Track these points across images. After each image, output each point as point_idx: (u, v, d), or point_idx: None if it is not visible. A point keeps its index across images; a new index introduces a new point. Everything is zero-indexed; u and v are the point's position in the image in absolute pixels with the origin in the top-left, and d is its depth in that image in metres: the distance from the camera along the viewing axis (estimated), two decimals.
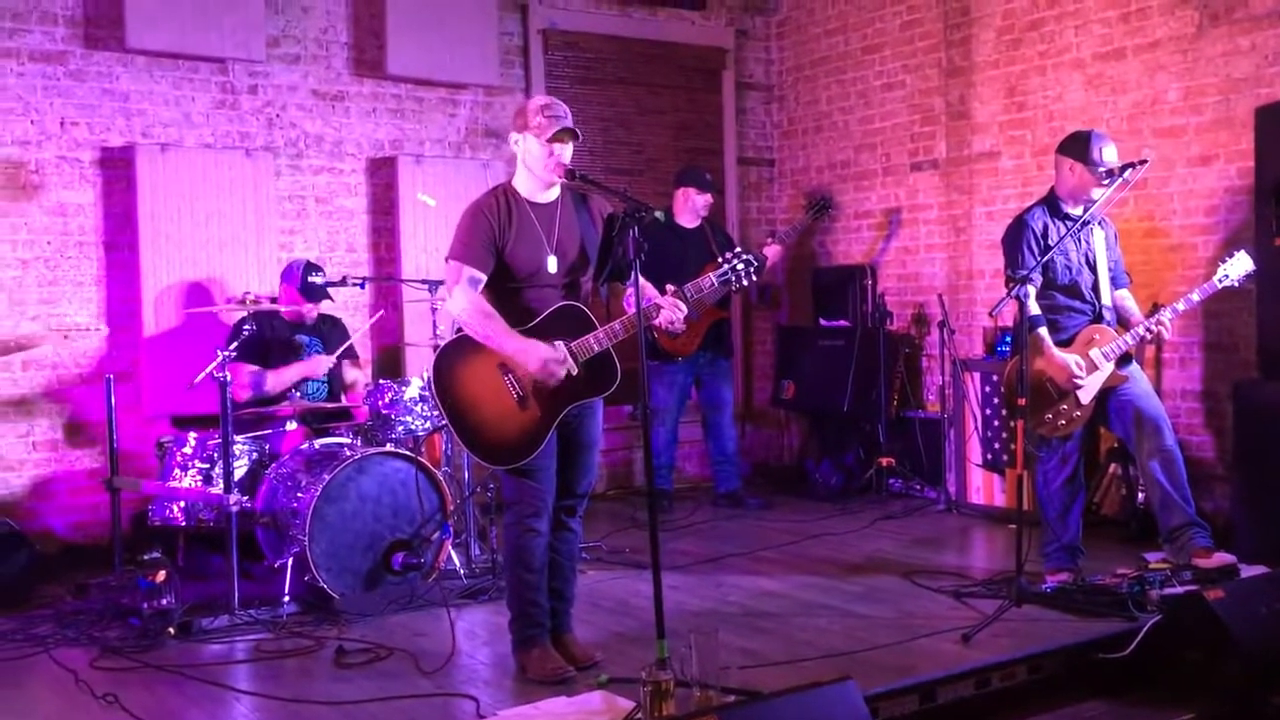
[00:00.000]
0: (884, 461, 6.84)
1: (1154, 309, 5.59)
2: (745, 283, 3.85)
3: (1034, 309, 4.54)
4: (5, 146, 5.60)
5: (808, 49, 7.78)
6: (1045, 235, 4.64)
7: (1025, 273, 4.49)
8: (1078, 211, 4.66)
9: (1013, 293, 4.40)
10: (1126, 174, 4.54)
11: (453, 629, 4.11)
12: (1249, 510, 4.98)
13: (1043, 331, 4.57)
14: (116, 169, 5.85)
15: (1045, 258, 4.57)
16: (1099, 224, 4.75)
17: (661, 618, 3.31)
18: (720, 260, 3.88)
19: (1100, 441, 5.85)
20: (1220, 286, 4.65)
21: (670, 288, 3.73)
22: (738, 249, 3.93)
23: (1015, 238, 4.70)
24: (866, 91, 7.38)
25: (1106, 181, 4.58)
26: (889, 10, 7.19)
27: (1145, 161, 4.65)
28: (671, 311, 3.69)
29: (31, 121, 5.66)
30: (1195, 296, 4.65)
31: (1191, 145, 5.65)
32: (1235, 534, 5.03)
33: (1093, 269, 4.70)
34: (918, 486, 6.78)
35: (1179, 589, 4.23)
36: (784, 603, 4.63)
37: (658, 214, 3.56)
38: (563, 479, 3.81)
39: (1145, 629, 3.95)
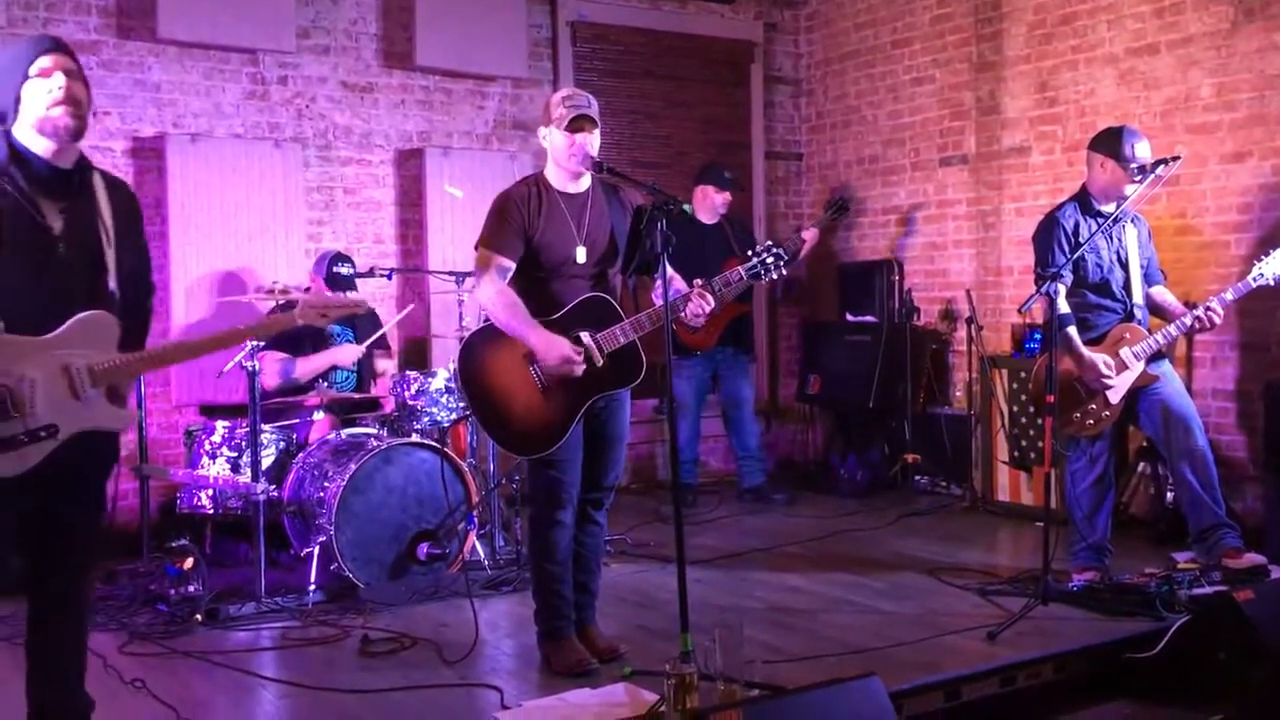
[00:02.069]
0: (909, 458, 6.81)
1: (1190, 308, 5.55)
2: (775, 276, 3.84)
3: (1063, 307, 4.48)
4: None
5: (836, 43, 7.75)
6: (1076, 233, 4.59)
7: (1055, 269, 4.46)
8: (1110, 208, 4.61)
9: (1043, 289, 4.38)
10: (1159, 170, 4.48)
11: (475, 620, 4.12)
12: None
13: (1071, 331, 4.51)
14: (147, 159, 5.89)
15: (1076, 255, 4.53)
16: (1131, 221, 4.69)
17: (686, 611, 3.31)
18: (749, 254, 3.86)
19: (1129, 441, 5.80)
20: (1255, 285, 4.58)
21: (699, 282, 3.72)
22: (768, 243, 3.91)
23: (1046, 235, 4.64)
24: (895, 86, 7.34)
25: (1139, 178, 4.52)
26: (919, 4, 7.14)
27: (1178, 158, 4.59)
28: (698, 304, 3.68)
29: None
30: (1229, 295, 4.58)
31: (1225, 142, 5.59)
32: (1266, 535, 4.99)
33: (1124, 267, 4.64)
34: (943, 484, 6.74)
35: (1208, 589, 4.20)
36: (808, 598, 4.63)
37: (685, 207, 3.55)
38: (589, 472, 3.81)
39: (1173, 629, 3.92)
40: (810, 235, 6.79)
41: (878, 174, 7.48)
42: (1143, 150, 4.54)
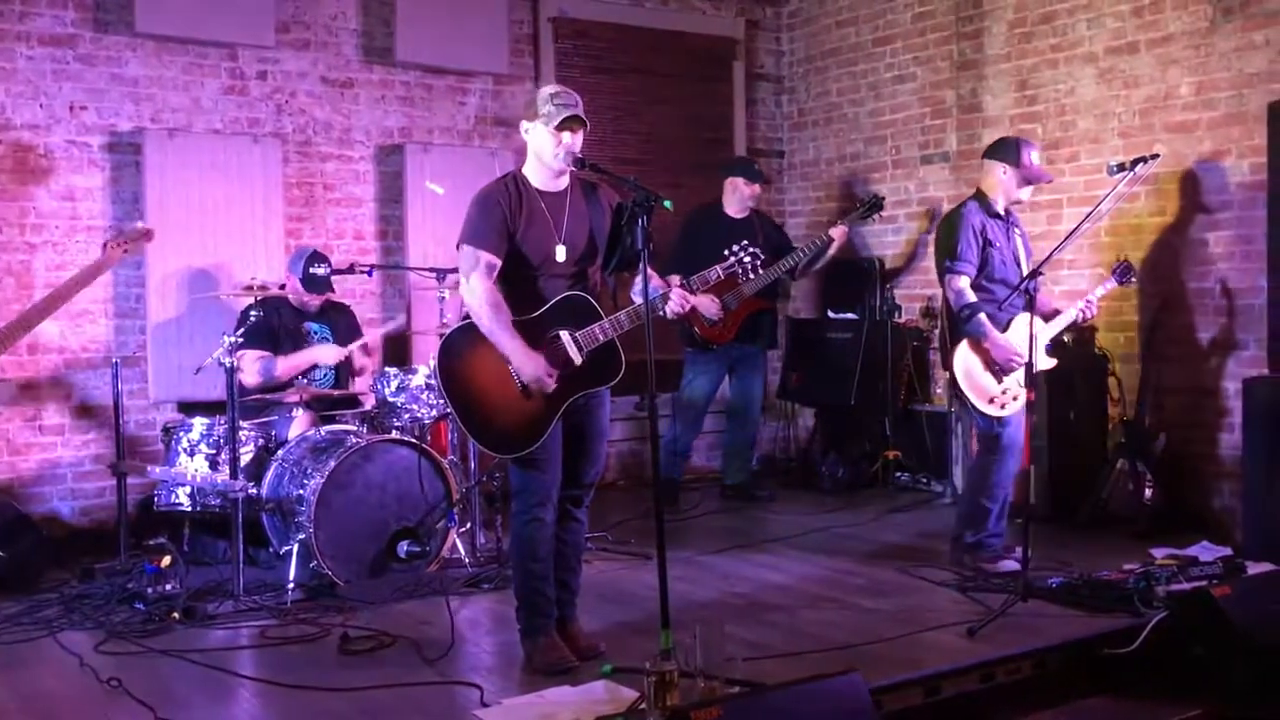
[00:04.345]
0: (890, 455, 6.83)
1: (1160, 306, 5.62)
2: (753, 275, 3.85)
3: (971, 296, 4.78)
4: (15, 130, 5.59)
5: (818, 40, 7.76)
6: (984, 231, 4.86)
7: (1038, 265, 4.56)
8: (1001, 210, 4.95)
9: (1023, 285, 4.51)
10: (1137, 169, 4.60)
11: (452, 619, 4.10)
12: (1257, 508, 4.96)
13: (982, 317, 4.74)
14: (125, 154, 5.85)
15: (1044, 260, 4.70)
16: (1015, 226, 5.03)
17: (666, 608, 3.30)
18: (726, 253, 3.86)
19: (1107, 437, 5.83)
20: (1121, 284, 5.19)
21: (676, 279, 3.72)
22: (744, 242, 3.91)
23: (954, 229, 4.87)
24: (877, 84, 7.35)
25: (1117, 176, 4.67)
26: (900, 2, 7.16)
27: (1157, 156, 4.76)
28: (679, 303, 3.68)
29: (41, 105, 5.65)
30: (1099, 291, 5.06)
31: (1204, 140, 5.62)
32: (1243, 532, 5.02)
33: (1019, 264, 4.93)
34: (924, 480, 6.76)
35: (1185, 585, 4.22)
36: (789, 595, 4.63)
37: (666, 204, 3.54)
38: (569, 469, 3.80)
39: (1151, 625, 3.94)
40: (839, 232, 6.54)
41: (859, 172, 7.50)
42: (1037, 159, 4.93)
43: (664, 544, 3.36)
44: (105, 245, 5.07)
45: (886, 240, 7.32)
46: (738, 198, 6.49)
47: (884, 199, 6.84)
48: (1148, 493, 5.45)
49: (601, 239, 3.80)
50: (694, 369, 6.52)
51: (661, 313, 3.70)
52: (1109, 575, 4.48)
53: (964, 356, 4.78)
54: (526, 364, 3.61)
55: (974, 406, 4.79)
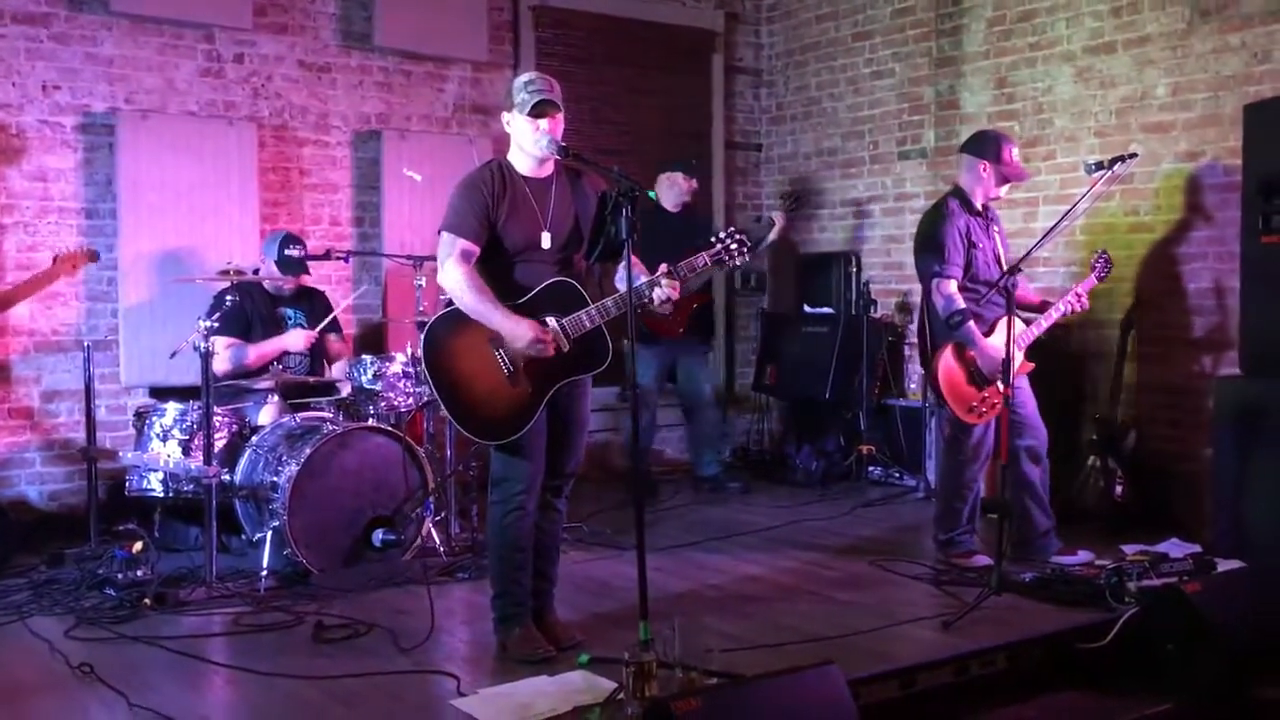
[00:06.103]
0: (864, 449, 6.85)
1: (1134, 305, 5.66)
2: (738, 262, 3.84)
3: (960, 302, 4.72)
4: None
5: (798, 34, 7.76)
6: (968, 232, 4.82)
7: (1016, 263, 4.57)
8: (979, 207, 4.90)
9: (1001, 282, 4.49)
10: (1115, 168, 4.63)
11: (432, 607, 4.08)
12: (1227, 506, 5.01)
13: (971, 324, 4.71)
14: (98, 135, 5.77)
15: (1022, 258, 4.66)
16: (995, 223, 4.99)
17: (645, 599, 3.30)
18: (713, 240, 3.85)
19: (1081, 433, 5.87)
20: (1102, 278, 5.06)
21: (664, 267, 3.70)
22: (731, 229, 3.91)
23: (939, 231, 4.81)
24: (856, 79, 7.37)
25: (1095, 174, 4.67)
26: None
27: (1134, 155, 4.75)
28: (666, 289, 3.67)
29: (13, 84, 5.57)
30: (1085, 285, 4.96)
31: (1179, 141, 5.66)
32: (1213, 529, 5.07)
33: (1000, 262, 4.89)
34: (897, 474, 6.79)
35: (1156, 581, 4.26)
36: (765, 587, 4.64)
37: (650, 193, 3.53)
38: (550, 459, 3.79)
39: (1122, 620, 3.97)
40: (780, 219, 6.69)
41: (837, 166, 7.51)
42: (1017, 155, 4.88)
43: (643, 534, 3.36)
44: (55, 259, 5.04)
45: (862, 235, 7.34)
46: (675, 192, 6.49)
47: (801, 193, 6.99)
48: (1119, 489, 5.50)
49: (586, 225, 3.79)
50: (640, 364, 6.50)
51: (649, 300, 3.69)
52: (1081, 570, 4.51)
53: (946, 365, 4.73)
54: (519, 331, 3.58)
55: (953, 415, 4.77)
